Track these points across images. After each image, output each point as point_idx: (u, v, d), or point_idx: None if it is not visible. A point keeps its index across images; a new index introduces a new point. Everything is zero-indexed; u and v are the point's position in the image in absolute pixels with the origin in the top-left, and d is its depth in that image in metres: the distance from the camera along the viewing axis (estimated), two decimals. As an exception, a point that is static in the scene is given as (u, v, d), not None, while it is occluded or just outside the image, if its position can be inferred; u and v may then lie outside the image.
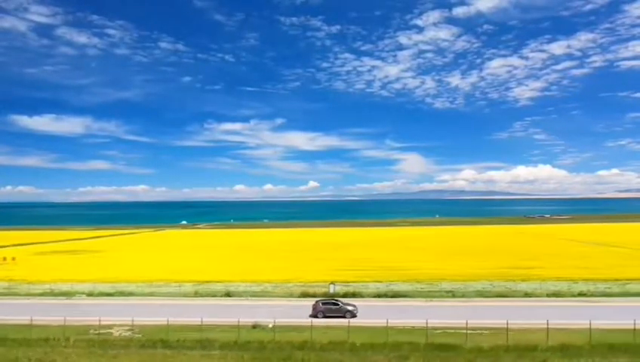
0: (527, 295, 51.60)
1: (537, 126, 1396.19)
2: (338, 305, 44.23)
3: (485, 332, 35.98)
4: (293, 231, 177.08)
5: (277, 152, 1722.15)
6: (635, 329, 33.66)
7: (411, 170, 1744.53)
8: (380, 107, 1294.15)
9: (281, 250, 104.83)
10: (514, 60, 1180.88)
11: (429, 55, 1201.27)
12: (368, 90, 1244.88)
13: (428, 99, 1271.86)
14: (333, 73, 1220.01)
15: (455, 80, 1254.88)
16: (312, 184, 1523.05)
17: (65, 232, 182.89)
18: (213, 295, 54.64)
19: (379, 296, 51.44)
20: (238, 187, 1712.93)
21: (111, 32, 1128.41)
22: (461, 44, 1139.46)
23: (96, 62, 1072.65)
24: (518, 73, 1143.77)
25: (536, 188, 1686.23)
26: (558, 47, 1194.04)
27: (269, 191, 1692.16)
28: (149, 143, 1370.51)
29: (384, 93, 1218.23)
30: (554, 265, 73.64)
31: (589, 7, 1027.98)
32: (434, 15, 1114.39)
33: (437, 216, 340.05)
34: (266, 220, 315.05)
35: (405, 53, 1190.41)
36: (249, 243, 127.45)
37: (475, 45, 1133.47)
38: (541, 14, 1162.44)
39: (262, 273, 69.78)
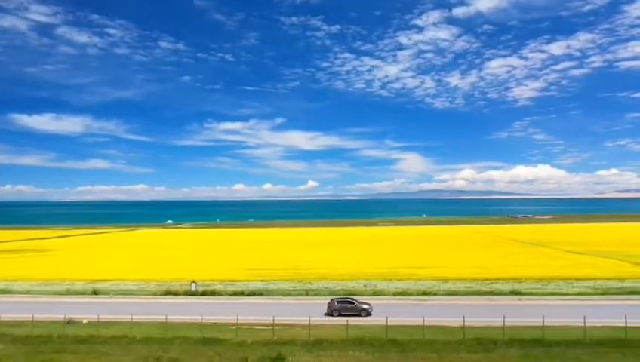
0: (394, 294, 53.42)
1: (536, 126, 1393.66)
2: (353, 303, 44.08)
3: (265, 328, 37.83)
4: (255, 231, 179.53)
5: (276, 152, 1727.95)
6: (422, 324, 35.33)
7: (411, 170, 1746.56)
8: (380, 107, 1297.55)
9: (213, 248, 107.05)
10: (513, 60, 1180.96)
11: (429, 55, 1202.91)
12: (368, 89, 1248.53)
13: (427, 99, 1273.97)
14: (333, 73, 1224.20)
15: (454, 80, 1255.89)
16: (312, 183, 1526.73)
17: (34, 231, 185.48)
18: (83, 293, 56.58)
19: (235, 294, 53.37)
20: (238, 186, 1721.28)
21: (111, 31, 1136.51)
22: (461, 44, 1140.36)
23: (97, 61, 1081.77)
24: (518, 73, 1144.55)
25: (535, 188, 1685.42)
26: (557, 48, 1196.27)
27: (269, 190, 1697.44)
28: (149, 142, 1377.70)
29: (384, 92, 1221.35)
30: (456, 265, 75.16)
31: (588, 7, 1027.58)
32: (434, 15, 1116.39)
33: (424, 215, 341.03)
34: (251, 220, 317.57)
35: (405, 53, 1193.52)
36: (194, 242, 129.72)
37: (475, 45, 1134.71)
38: (540, 14, 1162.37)
39: (147, 271, 71.92)
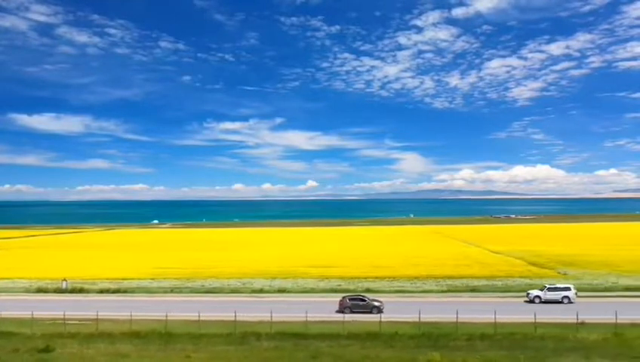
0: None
1: (536, 126, 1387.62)
2: (365, 300, 44.76)
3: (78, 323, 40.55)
4: (215, 231, 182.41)
5: (276, 151, 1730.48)
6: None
7: (410, 170, 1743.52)
8: (379, 107, 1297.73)
9: (142, 248, 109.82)
10: (513, 61, 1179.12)
11: (429, 55, 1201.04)
12: (368, 89, 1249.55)
13: (427, 99, 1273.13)
14: (333, 73, 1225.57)
15: (454, 80, 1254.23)
16: (311, 183, 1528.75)
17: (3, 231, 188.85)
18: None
19: (102, 291, 56.22)
20: (237, 186, 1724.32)
21: (111, 31, 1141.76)
22: (460, 45, 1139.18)
23: (97, 61, 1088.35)
24: (517, 73, 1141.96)
25: (534, 188, 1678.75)
26: (556, 48, 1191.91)
27: (268, 190, 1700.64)
28: (149, 142, 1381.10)
29: (383, 92, 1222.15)
30: (359, 264, 77.59)
31: (587, 7, 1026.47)
32: (433, 15, 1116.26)
33: (411, 215, 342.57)
34: (236, 219, 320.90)
35: (404, 53, 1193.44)
36: (136, 242, 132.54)
37: (474, 45, 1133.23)
38: (540, 15, 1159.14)
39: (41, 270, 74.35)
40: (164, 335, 35.50)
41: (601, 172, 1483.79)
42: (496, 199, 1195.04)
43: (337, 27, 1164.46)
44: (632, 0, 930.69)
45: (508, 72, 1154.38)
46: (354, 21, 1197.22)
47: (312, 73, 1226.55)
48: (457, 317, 38.32)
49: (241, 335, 35.14)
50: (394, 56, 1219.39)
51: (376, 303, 44.71)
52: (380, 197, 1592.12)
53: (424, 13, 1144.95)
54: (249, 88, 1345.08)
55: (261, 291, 56.30)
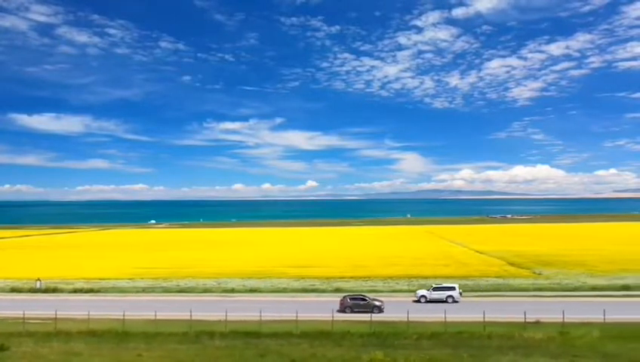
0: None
1: (535, 126, 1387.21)
2: (366, 300, 44.85)
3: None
4: (208, 231, 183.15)
5: (276, 151, 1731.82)
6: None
7: (410, 170, 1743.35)
8: (379, 107, 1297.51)
9: (128, 247, 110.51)
10: (512, 61, 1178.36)
11: (428, 55, 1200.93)
12: (367, 89, 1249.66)
13: (427, 99, 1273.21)
14: (333, 73, 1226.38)
15: (454, 80, 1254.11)
16: (311, 183, 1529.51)
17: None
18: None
19: (75, 291, 56.85)
20: (237, 186, 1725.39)
21: (111, 31, 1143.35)
22: (460, 45, 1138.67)
23: (97, 61, 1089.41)
24: (517, 73, 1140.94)
25: (534, 188, 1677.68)
26: (556, 48, 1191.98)
27: (268, 190, 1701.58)
28: (149, 142, 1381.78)
29: (383, 92, 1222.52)
30: (340, 264, 78.07)
31: (587, 8, 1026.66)
32: (433, 16, 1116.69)
33: (408, 215, 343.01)
34: (233, 220, 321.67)
35: (404, 53, 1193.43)
36: (126, 242, 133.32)
37: (474, 46, 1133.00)
38: (540, 15, 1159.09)
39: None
40: (120, 334, 36.07)
41: (601, 172, 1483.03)
42: (496, 199, 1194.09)
43: (337, 27, 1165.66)
44: (632, 0, 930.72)
45: (508, 72, 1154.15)
46: (354, 21, 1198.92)
47: (312, 73, 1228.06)
48: (408, 317, 38.84)
49: (196, 334, 35.69)
50: (394, 56, 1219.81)
51: (376, 303, 44.87)
52: (380, 197, 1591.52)
53: (424, 14, 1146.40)
54: (249, 88, 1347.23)
55: (232, 291, 56.85)
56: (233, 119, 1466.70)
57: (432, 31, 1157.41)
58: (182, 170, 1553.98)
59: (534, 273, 66.99)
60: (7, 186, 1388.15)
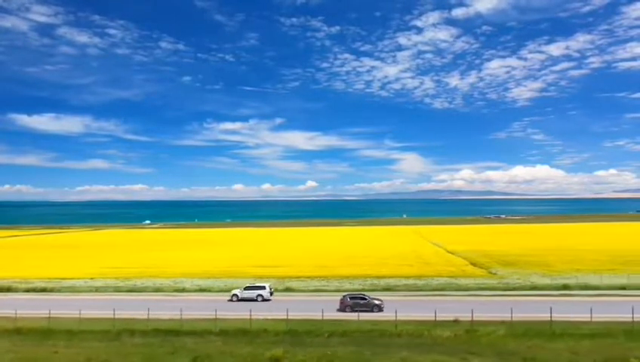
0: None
1: (535, 126, 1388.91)
2: (366, 299, 45.28)
3: None
4: (208, 231, 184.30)
5: (276, 152, 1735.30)
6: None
7: (410, 170, 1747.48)
8: (379, 107, 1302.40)
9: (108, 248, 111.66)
10: (512, 61, 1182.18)
11: (428, 56, 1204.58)
12: (367, 90, 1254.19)
13: (427, 100, 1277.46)
14: (333, 73, 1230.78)
15: (454, 80, 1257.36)
16: (311, 183, 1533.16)
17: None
18: None
19: (27, 291, 58.32)
20: (237, 186, 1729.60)
21: (112, 31, 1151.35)
22: (460, 45, 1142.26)
23: (97, 61, 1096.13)
24: (517, 74, 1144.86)
25: (533, 188, 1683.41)
26: (556, 48, 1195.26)
27: (268, 190, 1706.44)
28: (148, 142, 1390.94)
29: (383, 93, 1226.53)
30: (302, 264, 78.98)
31: (587, 8, 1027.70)
32: (433, 16, 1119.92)
33: (404, 215, 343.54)
34: (228, 220, 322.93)
35: (404, 53, 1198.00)
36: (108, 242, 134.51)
37: (474, 46, 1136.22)
38: (539, 16, 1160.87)
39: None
40: (45, 332, 37.01)
41: (601, 172, 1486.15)
42: (495, 199, 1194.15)
43: (337, 28, 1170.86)
44: (632, 1, 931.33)
45: (508, 72, 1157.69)
46: (354, 22, 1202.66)
47: (312, 73, 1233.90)
48: (323, 315, 39.94)
49: (118, 332, 36.64)
50: (394, 56, 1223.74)
51: (376, 301, 45.46)
52: (380, 197, 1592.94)
53: (424, 14, 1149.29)
54: (249, 88, 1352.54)
55: (184, 290, 57.82)
56: (233, 119, 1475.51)
57: (432, 31, 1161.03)
58: (182, 171, 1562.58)
59: (490, 273, 67.73)
60: (6, 186, 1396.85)
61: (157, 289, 58.67)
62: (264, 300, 50.70)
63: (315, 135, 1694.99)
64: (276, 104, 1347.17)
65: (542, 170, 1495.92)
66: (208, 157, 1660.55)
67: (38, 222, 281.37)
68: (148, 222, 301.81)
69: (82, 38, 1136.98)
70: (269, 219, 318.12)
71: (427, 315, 40.11)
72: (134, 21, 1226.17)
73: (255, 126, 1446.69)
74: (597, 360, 28.16)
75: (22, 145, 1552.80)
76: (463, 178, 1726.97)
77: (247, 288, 52.03)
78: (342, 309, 45.09)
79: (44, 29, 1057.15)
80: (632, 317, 37.04)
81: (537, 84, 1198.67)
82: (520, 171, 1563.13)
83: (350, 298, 45.92)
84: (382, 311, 44.39)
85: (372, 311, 44.07)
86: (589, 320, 38.12)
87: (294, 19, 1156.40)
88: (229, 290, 57.88)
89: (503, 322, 37.56)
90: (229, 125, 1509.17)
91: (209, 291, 57.62)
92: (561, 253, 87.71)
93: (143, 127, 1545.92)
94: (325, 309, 42.12)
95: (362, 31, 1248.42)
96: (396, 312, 40.21)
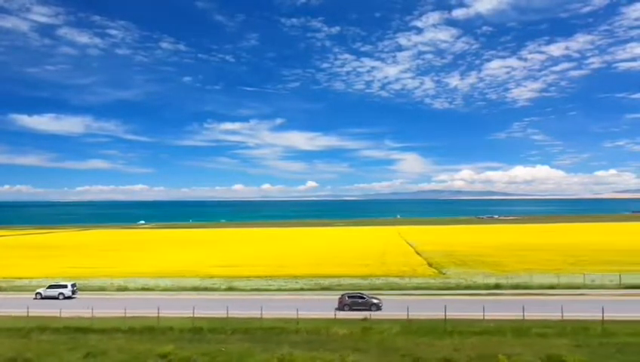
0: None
1: (535, 126, 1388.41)
2: (364, 298, 45.59)
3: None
4: (196, 232, 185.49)
5: (276, 152, 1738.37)
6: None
7: (410, 170, 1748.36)
8: (379, 107, 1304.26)
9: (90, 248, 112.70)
10: (512, 61, 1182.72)
11: (429, 56, 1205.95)
12: (368, 90, 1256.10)
13: (427, 100, 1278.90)
14: (333, 74, 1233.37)
15: (454, 81, 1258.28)
16: (311, 184, 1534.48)
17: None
18: None
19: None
20: (237, 186, 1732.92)
21: (112, 32, 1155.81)
22: (460, 46, 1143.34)
23: (98, 62, 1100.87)
24: (517, 74, 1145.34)
25: (533, 189, 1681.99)
26: (556, 49, 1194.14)
27: (268, 190, 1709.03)
28: (149, 143, 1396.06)
29: (383, 93, 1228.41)
30: (258, 263, 79.89)
31: (587, 9, 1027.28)
32: (433, 16, 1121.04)
33: (398, 216, 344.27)
34: (223, 220, 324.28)
35: (405, 54, 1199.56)
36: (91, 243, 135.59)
37: (474, 46, 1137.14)
38: (539, 16, 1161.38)
39: None
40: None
41: (601, 172, 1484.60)
42: (495, 200, 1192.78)
43: (337, 28, 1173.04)
44: (632, 1, 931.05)
45: (508, 72, 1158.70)
46: (354, 22, 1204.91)
47: (312, 74, 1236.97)
48: (228, 312, 40.89)
49: (29, 330, 37.52)
50: (394, 57, 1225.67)
51: (374, 301, 45.74)
52: (380, 197, 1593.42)
53: (424, 15, 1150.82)
54: (249, 89, 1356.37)
55: (126, 289, 58.84)
56: (233, 120, 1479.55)
57: (432, 32, 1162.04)
58: (182, 171, 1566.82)
59: (440, 273, 68.36)
60: (6, 187, 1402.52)
61: (100, 288, 59.60)
62: (66, 298, 53.33)
63: (315, 135, 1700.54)
64: (276, 104, 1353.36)
65: (542, 171, 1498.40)
66: (208, 157, 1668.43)
67: (33, 223, 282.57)
68: (142, 222, 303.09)
69: (83, 38, 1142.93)
70: (265, 219, 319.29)
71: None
72: (135, 21, 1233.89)
73: (255, 126, 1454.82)
74: (471, 356, 28.88)
75: (22, 146, 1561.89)
76: (463, 178, 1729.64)
77: (50, 286, 54.67)
78: (340, 308, 45.31)
79: (45, 30, 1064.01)
80: (523, 316, 37.90)
81: (537, 85, 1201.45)
82: (520, 171, 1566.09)
83: (348, 297, 46.18)
84: (380, 309, 44.54)
85: (370, 309, 44.18)
86: (481, 318, 38.97)
87: (295, 20, 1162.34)
88: (174, 290, 58.97)
89: (399, 319, 38.43)
90: (229, 125, 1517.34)
91: (152, 290, 58.50)
92: (521, 253, 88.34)
93: (143, 128, 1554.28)
94: (244, 308, 42.98)
95: (362, 31, 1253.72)
96: (297, 311, 40.36)
